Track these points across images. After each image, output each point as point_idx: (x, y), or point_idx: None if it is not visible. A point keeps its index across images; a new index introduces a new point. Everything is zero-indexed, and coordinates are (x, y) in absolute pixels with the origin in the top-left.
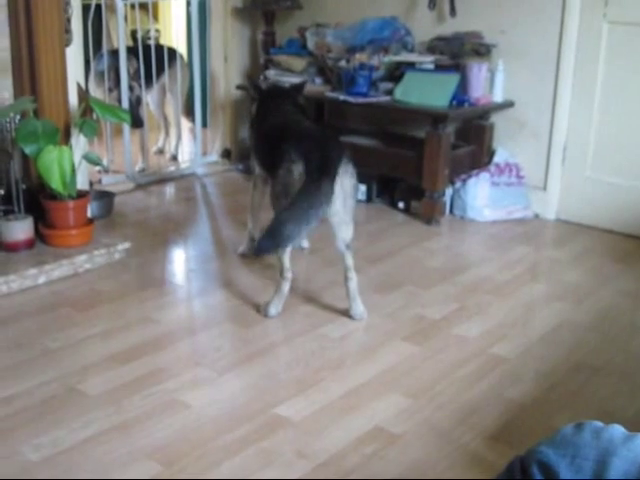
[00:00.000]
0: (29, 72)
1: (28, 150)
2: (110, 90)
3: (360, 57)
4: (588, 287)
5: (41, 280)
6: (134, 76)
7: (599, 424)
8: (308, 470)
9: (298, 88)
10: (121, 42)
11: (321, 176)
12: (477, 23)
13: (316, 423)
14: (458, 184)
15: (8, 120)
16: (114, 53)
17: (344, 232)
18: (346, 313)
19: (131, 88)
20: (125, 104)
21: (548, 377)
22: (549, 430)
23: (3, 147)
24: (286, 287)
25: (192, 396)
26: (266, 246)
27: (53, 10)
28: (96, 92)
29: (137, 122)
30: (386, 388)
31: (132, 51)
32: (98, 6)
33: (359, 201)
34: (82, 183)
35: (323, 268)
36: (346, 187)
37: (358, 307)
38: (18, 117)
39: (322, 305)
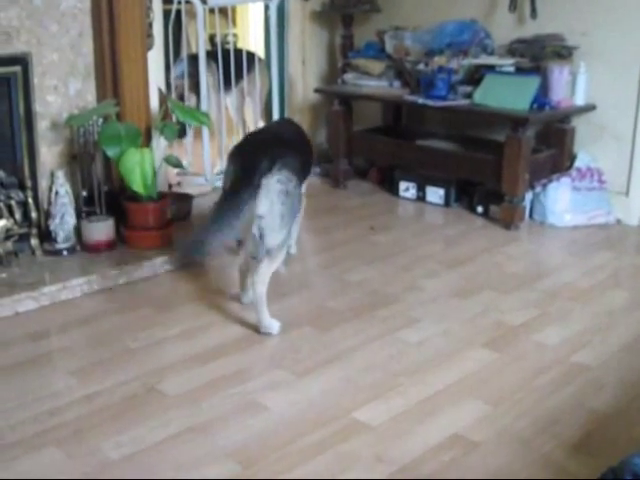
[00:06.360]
0: (112, 76)
1: (111, 153)
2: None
3: (439, 60)
4: None
5: (122, 280)
6: (214, 87)
7: None
8: (386, 475)
9: None
10: (201, 47)
11: (239, 184)
12: (558, 25)
13: (394, 428)
14: (538, 189)
15: (91, 123)
16: (193, 59)
17: (269, 237)
18: (422, 318)
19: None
20: (204, 108)
21: (632, 386)
22: (633, 441)
23: (86, 150)
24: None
25: (271, 398)
26: (185, 250)
27: (136, 15)
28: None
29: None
30: (465, 395)
31: (211, 55)
32: (178, 11)
33: (436, 204)
34: (161, 185)
35: (400, 273)
36: (272, 194)
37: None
38: (101, 120)
39: (399, 310)
